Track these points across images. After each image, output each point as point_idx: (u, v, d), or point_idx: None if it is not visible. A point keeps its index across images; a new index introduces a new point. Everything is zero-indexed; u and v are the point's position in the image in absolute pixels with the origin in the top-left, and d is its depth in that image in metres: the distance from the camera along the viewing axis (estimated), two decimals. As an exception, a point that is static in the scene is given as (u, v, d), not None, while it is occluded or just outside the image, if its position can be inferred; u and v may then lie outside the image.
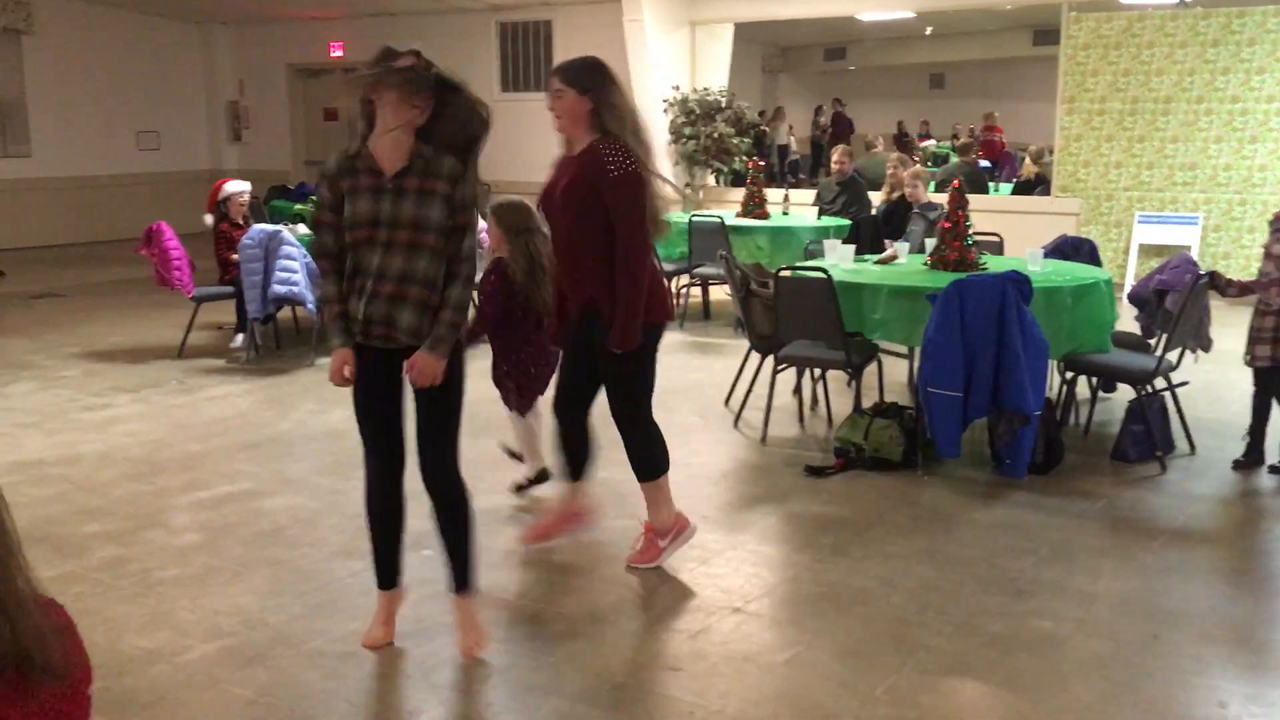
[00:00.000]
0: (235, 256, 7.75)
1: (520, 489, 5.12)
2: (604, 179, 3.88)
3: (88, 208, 14.52)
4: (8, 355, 8.09)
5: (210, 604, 3.96)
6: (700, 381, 7.32)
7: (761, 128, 14.79)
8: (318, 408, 6.59)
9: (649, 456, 4.26)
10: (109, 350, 8.17)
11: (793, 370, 6.40)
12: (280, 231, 7.41)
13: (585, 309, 4.04)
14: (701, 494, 5.17)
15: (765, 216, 9.61)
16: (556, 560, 4.40)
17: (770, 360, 6.10)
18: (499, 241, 4.90)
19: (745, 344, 6.43)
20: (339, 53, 15.07)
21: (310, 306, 7.55)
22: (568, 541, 4.50)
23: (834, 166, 10.06)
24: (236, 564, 4.32)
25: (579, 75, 3.98)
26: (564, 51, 13.17)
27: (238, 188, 8.23)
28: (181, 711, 3.25)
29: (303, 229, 7.99)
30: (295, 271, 7.37)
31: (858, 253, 6.85)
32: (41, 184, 14.24)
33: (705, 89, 12.30)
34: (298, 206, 8.41)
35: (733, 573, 4.27)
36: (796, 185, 14.94)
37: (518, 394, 5.00)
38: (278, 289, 7.36)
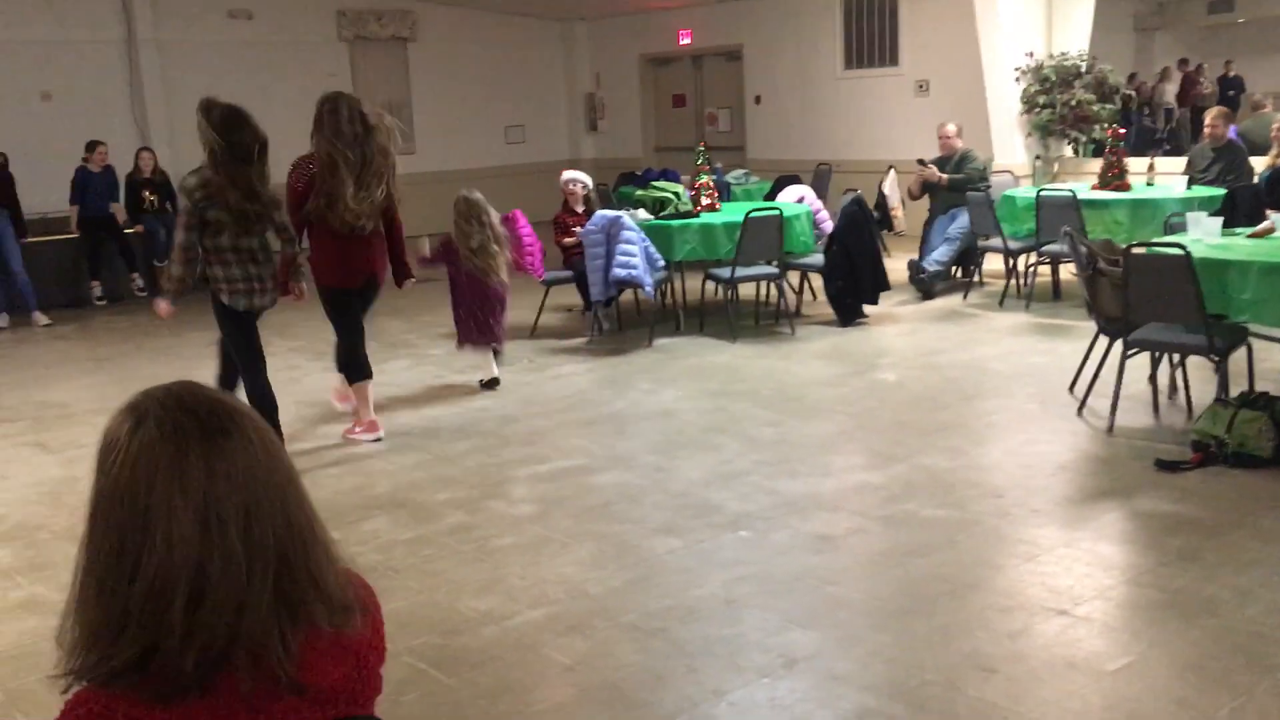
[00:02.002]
0: (568, 241, 8.15)
1: (484, 385, 6.96)
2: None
3: (461, 199, 15.77)
4: (387, 335, 8.94)
5: (539, 572, 4.21)
6: (1042, 366, 6.90)
7: (1127, 92, 13.67)
8: (651, 387, 6.82)
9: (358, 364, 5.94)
10: (471, 331, 8.85)
11: (1146, 355, 5.89)
12: (620, 217, 7.71)
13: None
14: (1036, 485, 4.89)
15: (1126, 188, 8.88)
16: (868, 544, 4.31)
17: (1120, 344, 5.65)
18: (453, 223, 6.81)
19: (1094, 327, 5.99)
20: (687, 40, 15.44)
21: (649, 290, 7.81)
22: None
23: (1206, 131, 9.15)
24: (565, 535, 4.57)
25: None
26: (910, 25, 12.79)
27: (568, 176, 8.64)
28: (506, 672, 3.48)
29: (642, 214, 8.27)
30: (634, 255, 7.65)
31: (1232, 225, 6.20)
32: (423, 178, 15.60)
33: (1063, 53, 11.53)
34: (638, 192, 8.69)
35: (1063, 572, 4.01)
36: (1172, 153, 13.72)
37: (476, 332, 6.87)
38: (618, 272, 7.66)
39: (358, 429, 6.00)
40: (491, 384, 6.95)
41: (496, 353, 7.02)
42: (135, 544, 1.21)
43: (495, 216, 6.91)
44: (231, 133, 5.17)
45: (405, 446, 5.87)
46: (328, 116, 5.69)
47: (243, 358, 5.51)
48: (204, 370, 7.71)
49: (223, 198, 5.14)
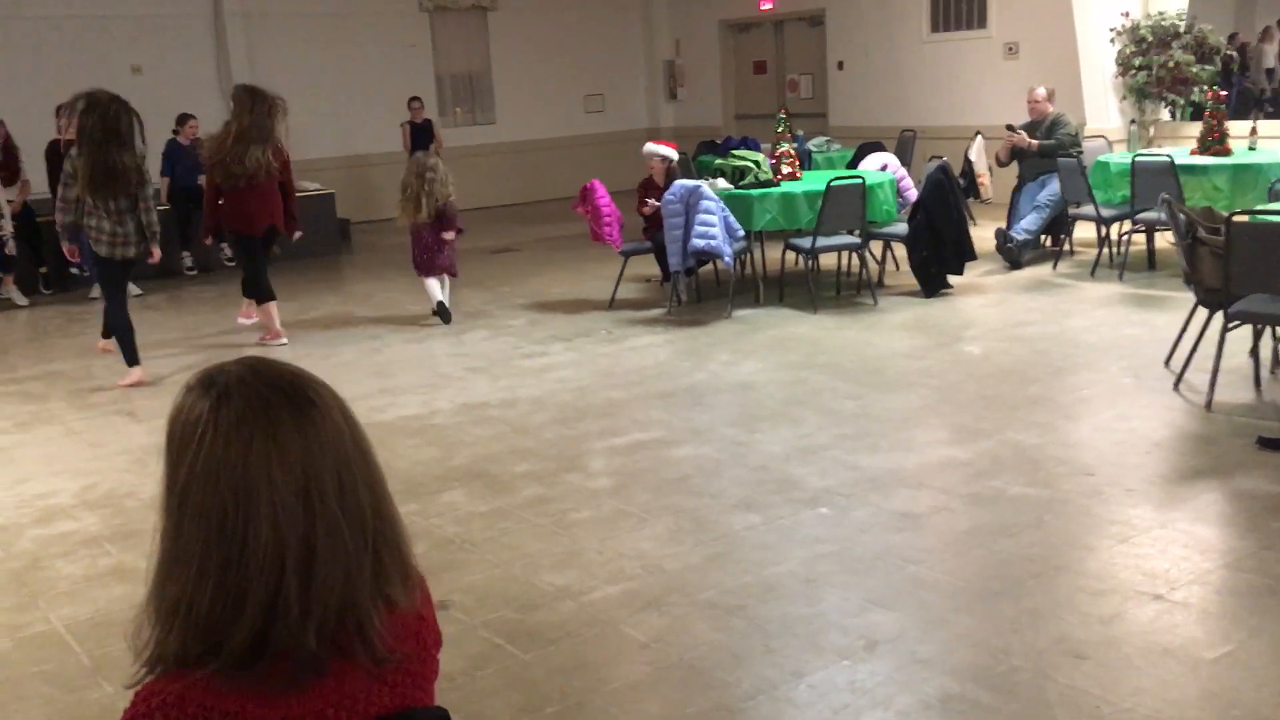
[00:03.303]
0: (647, 210, 8.08)
1: (433, 314, 8.24)
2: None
3: (541, 169, 15.77)
4: (467, 305, 8.98)
5: (616, 546, 4.18)
6: (1136, 338, 6.67)
7: (1228, 52, 13.11)
8: (730, 359, 6.73)
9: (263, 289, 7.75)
10: (551, 301, 8.85)
11: (1247, 328, 5.65)
12: (700, 187, 7.61)
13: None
14: (1129, 463, 4.72)
15: (1227, 153, 8.53)
16: (952, 522, 4.20)
17: (1220, 316, 5.42)
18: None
19: (1192, 298, 5.76)
20: (769, 5, 15.19)
21: (728, 260, 7.71)
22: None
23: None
24: (642, 510, 4.52)
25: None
26: (999, -16, 12.41)
27: (648, 150, 8.55)
28: (582, 649, 3.46)
29: (722, 183, 8.15)
30: (713, 226, 7.55)
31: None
32: (503, 148, 15.65)
33: (1160, 13, 11.09)
34: (718, 161, 8.57)
35: (1158, 554, 3.86)
36: (1275, 115, 13.16)
37: (425, 266, 8.23)
38: (696, 243, 7.57)
39: (268, 338, 7.82)
40: (443, 312, 8.26)
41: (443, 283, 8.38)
42: (239, 522, 1.18)
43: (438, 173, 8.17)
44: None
45: (483, 418, 5.88)
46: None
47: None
48: (297, 338, 7.85)
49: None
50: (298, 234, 8.03)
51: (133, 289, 9.99)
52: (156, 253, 6.94)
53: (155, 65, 12.89)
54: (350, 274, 10.91)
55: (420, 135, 13.12)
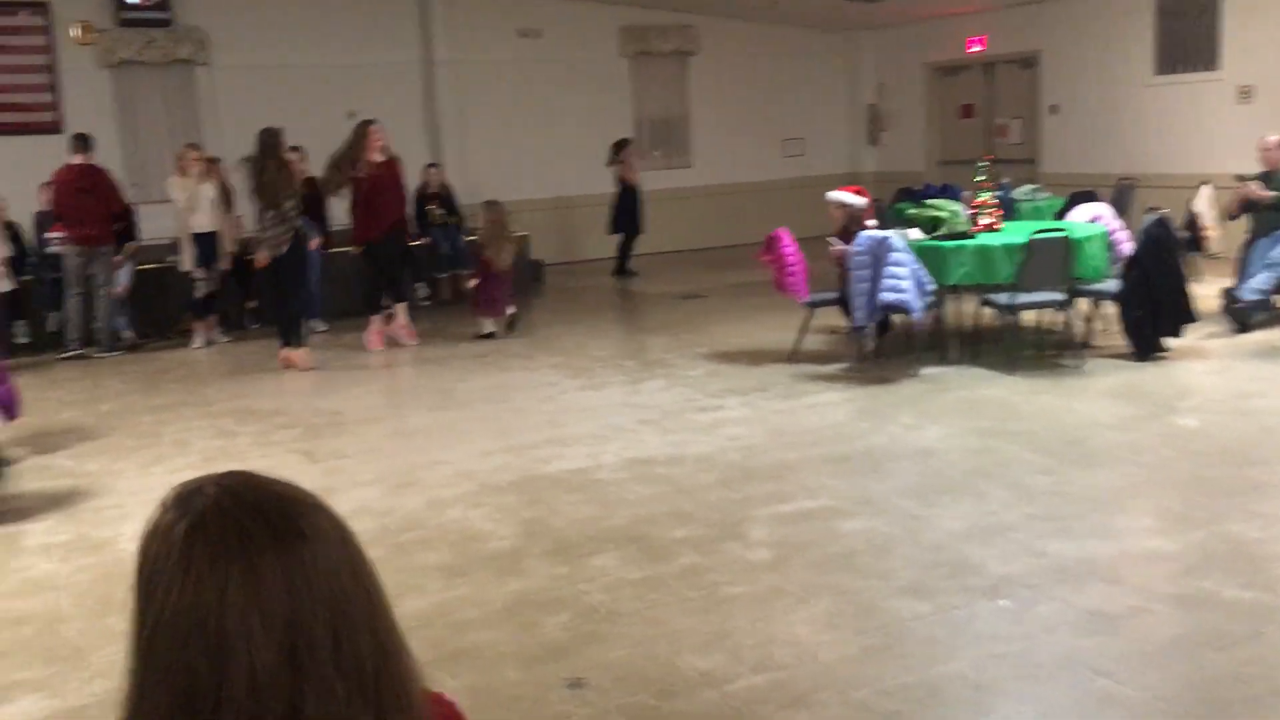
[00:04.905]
0: (834, 253, 7.74)
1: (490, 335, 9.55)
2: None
3: (736, 213, 15.58)
4: (647, 353, 8.86)
5: (768, 629, 3.88)
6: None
7: None
8: (913, 422, 6.32)
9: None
10: (730, 351, 8.60)
11: None
12: (888, 238, 7.23)
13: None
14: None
15: None
16: (1153, 628, 3.70)
17: None
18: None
19: None
20: (978, 47, 14.62)
21: (917, 315, 7.30)
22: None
23: None
24: (801, 588, 4.21)
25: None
26: (1235, 24, 11.51)
27: (829, 197, 8.22)
28: (718, 745, 3.18)
29: (915, 233, 7.75)
30: (903, 279, 7.15)
31: None
32: (698, 192, 15.57)
33: None
34: (910, 210, 8.14)
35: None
36: None
37: (487, 303, 9.68)
38: (885, 296, 7.19)
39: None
40: (512, 322, 9.78)
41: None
42: (211, 687, 0.98)
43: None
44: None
45: (647, 476, 5.67)
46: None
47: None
48: (475, 380, 7.90)
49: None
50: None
51: (317, 324, 10.35)
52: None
53: (368, 110, 13.35)
54: (538, 316, 10.96)
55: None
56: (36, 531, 5.31)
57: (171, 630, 1.00)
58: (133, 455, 6.53)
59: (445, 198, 12.02)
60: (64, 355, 9.50)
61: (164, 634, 1.00)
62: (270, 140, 8.64)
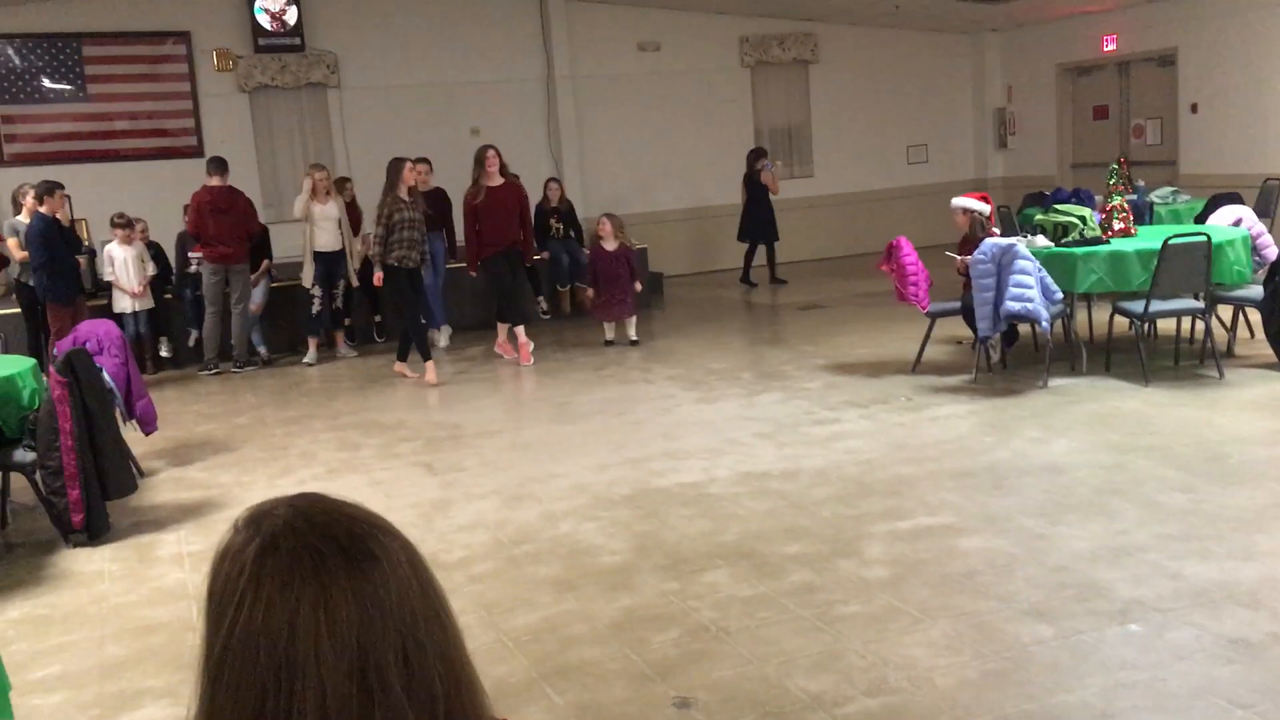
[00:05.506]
0: (959, 267, 7.51)
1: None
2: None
3: (858, 221, 15.35)
4: (765, 365, 8.76)
5: (882, 650, 3.77)
6: None
7: None
8: (1040, 436, 6.09)
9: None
10: (851, 363, 8.45)
11: None
12: (1014, 245, 7.00)
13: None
14: None
15: None
16: None
17: None
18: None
19: None
20: (1112, 46, 14.10)
21: (1045, 325, 7.04)
22: None
23: None
24: (918, 609, 4.08)
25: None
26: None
27: (953, 204, 7.99)
28: (827, 770, 3.09)
29: (1041, 240, 7.48)
30: (1029, 287, 6.91)
31: None
32: (821, 201, 15.38)
33: None
34: (1038, 216, 7.85)
35: None
36: None
37: (603, 307, 9.85)
38: (1010, 305, 6.96)
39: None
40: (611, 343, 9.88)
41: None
42: (281, 706, 0.98)
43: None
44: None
45: (761, 490, 5.60)
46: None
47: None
48: (593, 393, 7.94)
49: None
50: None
51: (439, 337, 10.52)
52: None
53: (491, 126, 13.61)
54: (658, 327, 10.96)
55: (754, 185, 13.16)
56: (169, 541, 5.51)
57: (242, 651, 1.00)
58: (262, 467, 6.74)
59: (565, 212, 12.13)
60: (203, 370, 9.87)
61: (234, 655, 1.01)
62: (389, 169, 8.92)
